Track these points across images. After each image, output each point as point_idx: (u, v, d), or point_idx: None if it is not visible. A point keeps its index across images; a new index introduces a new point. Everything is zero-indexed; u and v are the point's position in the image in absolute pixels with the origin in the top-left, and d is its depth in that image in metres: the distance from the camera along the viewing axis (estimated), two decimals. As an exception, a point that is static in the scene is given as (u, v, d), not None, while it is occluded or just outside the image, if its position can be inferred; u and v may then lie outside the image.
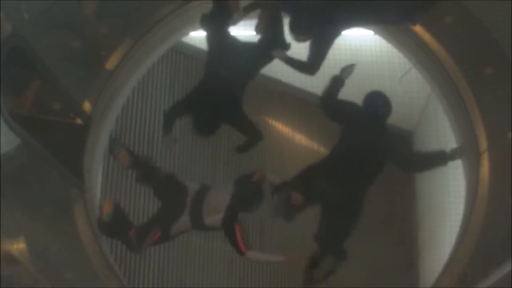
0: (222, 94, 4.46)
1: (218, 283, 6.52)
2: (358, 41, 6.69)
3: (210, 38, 4.58)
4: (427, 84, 5.15)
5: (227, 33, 4.55)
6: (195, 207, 4.26)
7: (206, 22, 4.53)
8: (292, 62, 4.47)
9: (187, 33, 5.51)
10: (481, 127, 4.43)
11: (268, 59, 4.58)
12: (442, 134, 5.92)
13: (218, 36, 4.48)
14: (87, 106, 4.58)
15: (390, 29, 4.90)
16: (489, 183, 4.32)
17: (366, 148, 4.28)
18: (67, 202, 4.35)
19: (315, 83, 6.85)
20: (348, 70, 4.49)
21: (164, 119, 4.83)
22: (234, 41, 4.58)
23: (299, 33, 4.29)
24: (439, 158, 4.40)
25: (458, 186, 5.07)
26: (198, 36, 6.55)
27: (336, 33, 4.40)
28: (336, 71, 4.59)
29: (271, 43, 4.47)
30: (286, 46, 4.51)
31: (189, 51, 6.67)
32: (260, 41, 4.55)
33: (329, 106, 4.45)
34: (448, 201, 6.03)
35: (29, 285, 3.89)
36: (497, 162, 4.34)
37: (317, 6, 4.30)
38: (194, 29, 5.39)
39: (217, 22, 4.48)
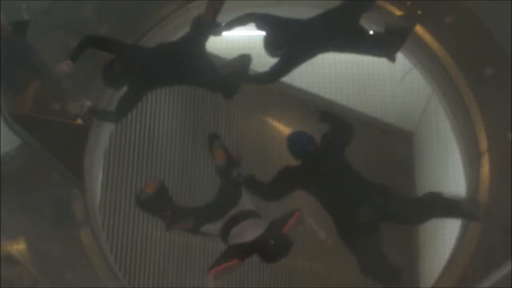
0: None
1: (221, 283, 6.51)
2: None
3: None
4: (428, 84, 5.15)
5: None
6: (230, 223, 4.18)
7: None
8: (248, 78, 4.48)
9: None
10: (481, 128, 4.44)
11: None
12: (443, 134, 5.92)
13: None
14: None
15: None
16: (489, 183, 4.32)
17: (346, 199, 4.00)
18: (68, 202, 4.35)
19: (315, 83, 6.89)
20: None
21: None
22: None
23: (272, 51, 4.29)
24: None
25: (459, 187, 5.07)
26: (198, 36, 6.56)
27: (309, 55, 4.36)
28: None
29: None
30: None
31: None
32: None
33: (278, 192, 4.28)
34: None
35: (29, 285, 3.90)
36: (498, 162, 4.34)
37: (294, 27, 4.28)
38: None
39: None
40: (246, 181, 4.28)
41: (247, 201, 4.32)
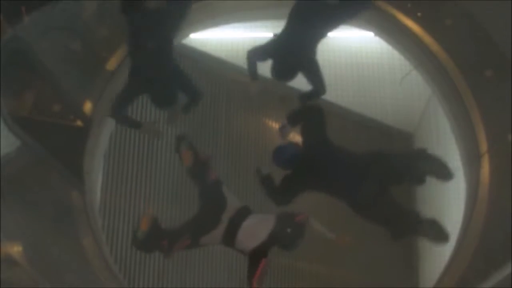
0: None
1: (218, 283, 6.51)
2: (359, 43, 6.69)
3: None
4: (428, 86, 5.15)
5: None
6: (232, 228, 4.11)
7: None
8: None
9: (187, 35, 5.51)
10: (481, 129, 4.43)
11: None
12: (443, 136, 5.92)
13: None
14: (87, 108, 4.58)
15: (390, 31, 4.90)
16: (489, 185, 4.32)
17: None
18: (67, 204, 4.35)
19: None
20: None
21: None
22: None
23: (280, 79, 4.56)
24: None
25: (458, 188, 5.07)
26: (198, 38, 6.56)
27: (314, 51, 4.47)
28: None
29: None
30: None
31: (189, 53, 6.67)
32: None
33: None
34: (448, 202, 6.02)
35: (29, 287, 3.90)
36: (497, 164, 4.34)
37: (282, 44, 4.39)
38: (194, 30, 5.39)
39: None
40: (263, 180, 4.31)
41: (233, 199, 4.29)
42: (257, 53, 4.53)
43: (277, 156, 4.29)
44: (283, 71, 4.51)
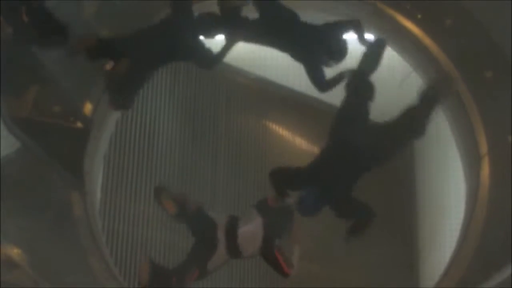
0: None
1: (218, 283, 6.51)
2: (359, 45, 6.68)
3: None
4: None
5: None
6: (230, 242, 4.18)
7: None
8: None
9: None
10: (481, 131, 4.44)
11: None
12: (443, 137, 5.92)
13: None
14: (87, 109, 4.58)
15: (390, 33, 4.90)
16: (489, 186, 4.32)
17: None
18: (67, 205, 4.35)
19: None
20: None
21: None
22: None
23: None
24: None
25: (459, 190, 5.07)
26: (198, 38, 6.55)
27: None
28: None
29: None
30: None
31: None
32: None
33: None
34: (448, 204, 6.02)
35: (29, 288, 3.90)
36: (497, 165, 4.35)
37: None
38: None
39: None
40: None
41: (218, 215, 4.36)
42: None
43: (303, 209, 4.16)
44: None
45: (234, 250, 4.19)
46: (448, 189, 5.76)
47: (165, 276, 4.17)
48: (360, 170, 4.13)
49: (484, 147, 4.40)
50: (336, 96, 6.71)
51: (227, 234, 4.18)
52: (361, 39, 4.35)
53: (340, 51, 4.32)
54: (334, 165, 4.11)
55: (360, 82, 4.22)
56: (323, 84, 4.33)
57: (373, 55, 4.28)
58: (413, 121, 4.09)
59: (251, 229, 4.18)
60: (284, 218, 4.19)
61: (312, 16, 4.98)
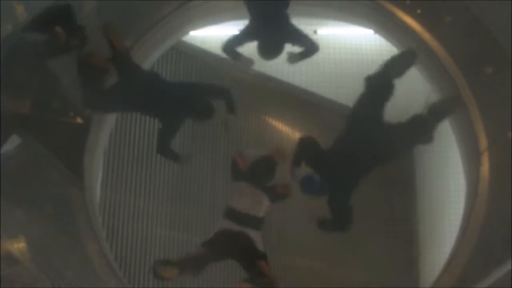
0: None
1: (218, 283, 6.52)
2: (358, 40, 6.68)
3: None
4: (427, 83, 5.15)
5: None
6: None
7: None
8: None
9: (187, 32, 5.51)
10: (481, 127, 4.43)
11: None
12: (442, 133, 5.91)
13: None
14: (87, 105, 4.58)
15: (390, 28, 4.90)
16: (489, 182, 4.31)
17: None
18: (67, 201, 4.35)
19: (315, 83, 6.89)
20: None
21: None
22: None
23: (269, 57, 4.56)
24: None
25: (458, 186, 5.07)
26: (198, 35, 6.56)
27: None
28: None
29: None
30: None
31: (190, 51, 6.67)
32: None
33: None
34: (448, 200, 6.03)
35: (29, 284, 3.90)
36: (497, 161, 4.34)
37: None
38: (194, 28, 5.39)
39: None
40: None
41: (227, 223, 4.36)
42: (232, 42, 4.64)
43: (307, 186, 4.31)
44: (270, 49, 4.56)
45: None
46: (448, 185, 5.76)
47: (190, 267, 4.21)
48: (366, 168, 4.25)
49: (484, 143, 4.39)
50: (336, 93, 6.75)
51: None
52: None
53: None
54: (348, 156, 4.25)
55: (383, 83, 4.34)
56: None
57: (402, 63, 4.38)
58: (420, 129, 4.26)
59: (253, 198, 4.32)
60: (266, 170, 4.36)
61: (310, 11, 5.00)
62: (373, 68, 4.40)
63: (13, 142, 4.18)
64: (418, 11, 4.66)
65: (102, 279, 4.24)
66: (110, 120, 4.95)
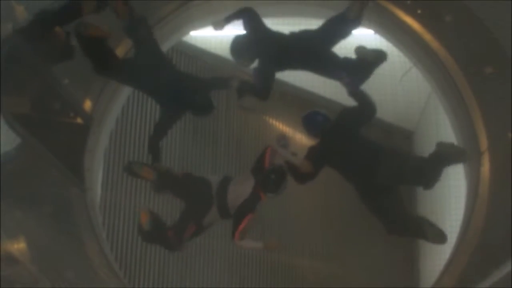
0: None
1: (218, 283, 6.52)
2: (359, 40, 6.67)
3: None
4: (428, 83, 5.15)
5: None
6: (220, 198, 4.38)
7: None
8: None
9: (187, 32, 5.51)
10: (481, 127, 4.43)
11: None
12: (443, 133, 5.92)
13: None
14: (87, 105, 4.58)
15: (390, 28, 4.90)
16: (490, 182, 4.31)
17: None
18: (68, 201, 4.35)
19: (316, 83, 6.89)
20: None
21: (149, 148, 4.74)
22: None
23: (238, 56, 4.57)
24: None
25: (459, 186, 5.07)
26: (198, 36, 6.56)
27: (275, 69, 4.64)
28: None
29: None
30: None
31: (190, 51, 6.67)
32: None
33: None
34: (448, 200, 6.03)
35: (29, 284, 3.90)
36: (498, 161, 4.33)
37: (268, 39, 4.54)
38: (195, 28, 5.39)
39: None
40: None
41: (214, 177, 4.58)
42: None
43: (310, 119, 4.48)
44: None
45: (223, 208, 4.37)
46: (448, 186, 5.75)
47: (162, 227, 4.41)
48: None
49: (484, 143, 4.38)
50: (336, 93, 6.74)
51: (218, 191, 4.38)
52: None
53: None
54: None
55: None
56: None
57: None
58: (423, 173, 4.26)
59: (241, 186, 4.37)
60: (280, 180, 4.32)
61: (314, 11, 5.00)
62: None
63: (13, 143, 4.18)
64: (419, 11, 4.66)
65: (102, 279, 4.24)
66: (110, 120, 4.95)
